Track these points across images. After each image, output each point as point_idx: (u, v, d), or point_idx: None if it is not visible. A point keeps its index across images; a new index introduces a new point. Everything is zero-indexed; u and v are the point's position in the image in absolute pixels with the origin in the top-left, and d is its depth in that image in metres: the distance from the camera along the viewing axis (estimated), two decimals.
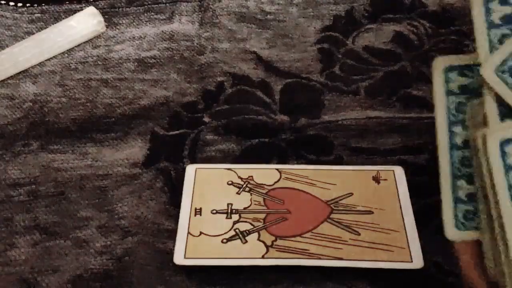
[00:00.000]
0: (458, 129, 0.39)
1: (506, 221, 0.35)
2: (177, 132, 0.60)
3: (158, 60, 0.67)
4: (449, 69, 0.40)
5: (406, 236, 0.51)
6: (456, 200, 0.39)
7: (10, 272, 0.50)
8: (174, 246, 0.50)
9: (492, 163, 0.35)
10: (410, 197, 0.53)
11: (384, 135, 0.59)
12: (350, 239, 0.51)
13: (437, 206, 0.53)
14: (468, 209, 0.39)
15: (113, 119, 0.61)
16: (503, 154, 0.35)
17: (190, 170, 0.56)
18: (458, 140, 0.39)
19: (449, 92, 0.40)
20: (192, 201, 0.53)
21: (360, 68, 0.66)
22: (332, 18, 0.72)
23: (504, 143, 0.35)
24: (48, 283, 0.49)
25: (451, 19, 0.71)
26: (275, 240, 0.51)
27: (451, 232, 0.39)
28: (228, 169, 0.56)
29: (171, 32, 0.70)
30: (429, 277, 0.49)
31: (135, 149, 0.59)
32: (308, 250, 0.50)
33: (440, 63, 0.40)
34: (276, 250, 0.50)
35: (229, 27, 0.71)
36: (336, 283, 0.49)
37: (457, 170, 0.39)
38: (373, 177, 0.55)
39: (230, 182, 0.55)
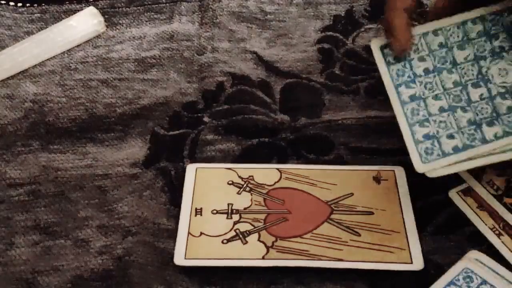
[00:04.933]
0: (402, 89, 0.51)
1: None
2: (177, 132, 0.60)
3: (158, 60, 0.67)
4: (384, 46, 0.52)
5: (407, 238, 0.51)
6: (416, 142, 0.49)
7: (10, 272, 0.50)
8: (174, 246, 0.50)
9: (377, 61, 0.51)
10: (410, 197, 0.53)
11: (384, 135, 0.59)
12: (350, 240, 0.51)
13: (437, 206, 0.53)
14: (426, 146, 0.49)
15: (113, 119, 0.61)
16: (384, 54, 0.51)
17: (191, 169, 0.56)
18: (405, 97, 0.51)
19: (388, 63, 0.52)
20: (192, 201, 0.53)
21: (360, 68, 0.66)
22: (332, 18, 0.72)
23: (382, 46, 0.52)
24: (48, 283, 0.49)
25: None
26: (276, 241, 0.51)
27: (420, 167, 0.49)
28: (229, 168, 0.56)
29: (171, 32, 0.70)
30: (429, 278, 0.49)
31: (135, 149, 0.59)
32: (308, 251, 0.50)
33: (376, 43, 0.52)
34: (277, 251, 0.50)
35: (229, 27, 0.71)
36: (336, 284, 0.49)
37: (410, 119, 0.50)
38: (373, 177, 0.55)
39: (230, 182, 0.55)
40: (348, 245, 0.50)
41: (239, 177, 0.55)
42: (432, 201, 0.54)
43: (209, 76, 0.65)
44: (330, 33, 0.70)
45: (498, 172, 0.53)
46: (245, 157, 0.58)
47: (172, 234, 0.52)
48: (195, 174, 0.55)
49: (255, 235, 0.51)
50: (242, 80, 0.65)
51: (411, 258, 0.49)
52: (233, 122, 0.61)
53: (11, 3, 0.73)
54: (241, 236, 0.51)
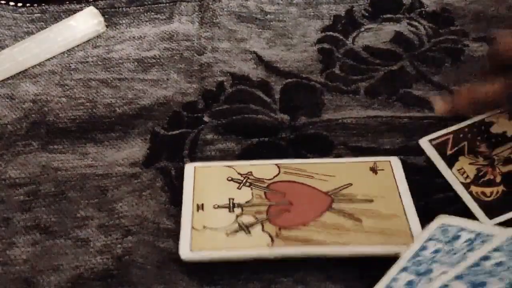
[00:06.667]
0: None
1: None
2: (177, 131, 0.60)
3: (158, 60, 0.67)
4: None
5: (407, 221, 0.51)
6: None
7: (10, 272, 0.50)
8: (174, 245, 0.50)
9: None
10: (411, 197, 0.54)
11: (384, 135, 0.59)
12: (352, 226, 0.51)
13: (437, 205, 0.53)
14: None
15: (113, 119, 0.61)
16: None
17: (189, 168, 0.56)
18: None
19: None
20: (193, 198, 0.53)
21: (360, 68, 0.66)
22: (332, 18, 0.72)
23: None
24: (48, 282, 0.49)
25: (451, 19, 0.71)
26: (280, 230, 0.51)
27: None
28: (227, 166, 0.56)
29: (171, 32, 0.70)
30: None
31: (135, 149, 0.59)
32: (313, 239, 0.50)
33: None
34: (282, 240, 0.50)
35: (229, 27, 0.71)
36: (336, 283, 0.49)
37: None
38: (370, 168, 0.56)
39: (230, 178, 0.55)
40: (351, 231, 0.50)
41: (238, 173, 0.55)
42: (433, 200, 0.54)
43: (209, 76, 0.65)
44: (330, 33, 0.70)
45: (470, 160, 0.55)
46: (245, 156, 0.58)
47: (172, 234, 0.52)
48: (194, 173, 0.55)
49: (259, 226, 0.51)
50: (242, 80, 0.65)
51: (413, 241, 0.49)
52: (233, 122, 0.61)
53: (11, 3, 0.73)
54: (244, 227, 0.51)
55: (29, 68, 0.66)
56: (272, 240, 0.50)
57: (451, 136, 0.57)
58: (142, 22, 0.71)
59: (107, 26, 0.70)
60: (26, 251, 0.51)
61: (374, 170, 0.55)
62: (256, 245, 0.50)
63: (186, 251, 0.49)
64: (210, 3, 0.73)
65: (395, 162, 0.56)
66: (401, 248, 0.49)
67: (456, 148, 0.56)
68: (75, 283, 0.49)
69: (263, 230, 0.51)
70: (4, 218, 0.53)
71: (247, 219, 0.52)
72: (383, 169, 0.55)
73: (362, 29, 0.70)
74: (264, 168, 0.56)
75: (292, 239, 0.50)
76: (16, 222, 0.53)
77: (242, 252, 0.50)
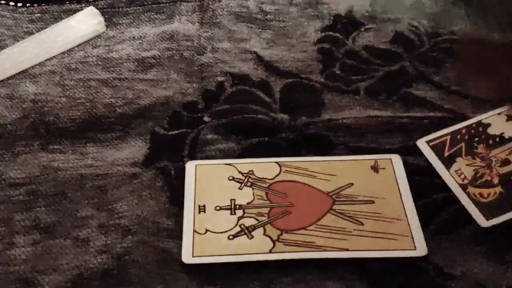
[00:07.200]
0: None
1: None
2: (177, 131, 0.60)
3: (158, 60, 0.67)
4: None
5: (408, 224, 0.51)
6: None
7: (10, 271, 0.50)
8: (174, 245, 0.50)
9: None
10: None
11: (384, 135, 0.59)
12: (354, 229, 0.51)
13: (437, 205, 0.53)
14: None
15: (113, 119, 0.61)
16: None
17: (190, 167, 0.56)
18: None
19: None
20: (195, 199, 0.53)
21: (360, 68, 0.66)
22: (332, 18, 0.72)
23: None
24: (48, 282, 0.49)
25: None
26: (281, 234, 0.51)
27: None
28: (228, 164, 0.56)
29: (171, 32, 0.70)
30: (429, 279, 0.49)
31: (135, 149, 0.59)
32: (314, 242, 0.50)
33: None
34: (283, 244, 0.50)
35: (229, 27, 0.71)
36: (337, 282, 0.49)
37: None
38: (371, 166, 0.56)
39: (231, 178, 0.55)
40: (352, 235, 0.51)
41: (239, 172, 0.55)
42: (432, 200, 0.54)
43: (209, 76, 0.65)
44: (330, 33, 0.70)
45: (468, 162, 0.55)
46: (245, 156, 0.58)
47: (172, 234, 0.52)
48: (195, 171, 0.56)
49: (260, 230, 0.51)
50: (242, 80, 0.65)
51: (414, 245, 0.50)
52: (233, 122, 0.61)
53: (11, 3, 0.73)
54: (246, 231, 0.51)
55: (29, 68, 0.66)
56: (274, 244, 0.50)
57: (448, 137, 0.57)
58: (142, 22, 0.71)
59: (107, 26, 0.70)
60: (26, 251, 0.51)
61: (375, 168, 0.55)
62: (257, 250, 0.50)
63: (188, 256, 0.50)
64: (210, 3, 0.73)
65: (396, 160, 0.56)
66: (401, 253, 0.49)
67: (453, 149, 0.56)
68: (75, 282, 0.49)
69: (264, 233, 0.51)
70: (4, 218, 0.53)
71: (248, 221, 0.52)
72: (384, 168, 0.55)
73: (362, 29, 0.70)
74: (265, 166, 0.56)
75: (294, 243, 0.50)
76: (16, 222, 0.53)
77: (244, 257, 0.50)
